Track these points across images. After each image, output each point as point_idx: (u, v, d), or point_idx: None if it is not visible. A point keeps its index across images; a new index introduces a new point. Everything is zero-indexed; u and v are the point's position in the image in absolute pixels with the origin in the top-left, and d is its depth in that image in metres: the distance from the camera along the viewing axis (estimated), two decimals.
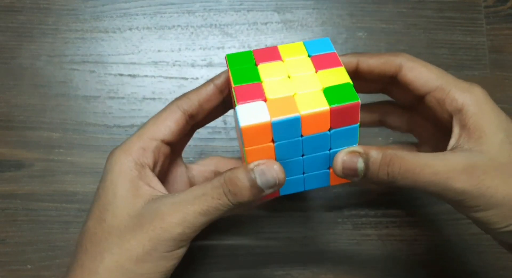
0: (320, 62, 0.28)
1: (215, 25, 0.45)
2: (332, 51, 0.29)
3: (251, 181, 0.27)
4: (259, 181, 0.27)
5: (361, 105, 0.27)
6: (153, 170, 0.30)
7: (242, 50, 0.45)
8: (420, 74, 0.30)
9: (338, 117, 0.26)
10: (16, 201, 0.41)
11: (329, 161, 0.29)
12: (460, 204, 0.28)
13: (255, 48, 0.45)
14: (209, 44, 0.45)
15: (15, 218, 0.41)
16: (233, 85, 0.28)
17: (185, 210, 0.28)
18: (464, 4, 0.46)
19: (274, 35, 0.45)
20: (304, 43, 0.30)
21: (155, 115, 0.31)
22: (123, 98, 0.43)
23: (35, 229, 0.40)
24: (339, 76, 0.27)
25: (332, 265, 0.41)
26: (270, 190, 0.27)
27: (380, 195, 0.42)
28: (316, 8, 0.46)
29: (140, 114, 0.43)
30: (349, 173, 0.27)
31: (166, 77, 0.44)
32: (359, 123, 0.27)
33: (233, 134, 0.43)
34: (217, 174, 0.35)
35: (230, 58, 0.29)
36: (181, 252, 0.29)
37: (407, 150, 0.33)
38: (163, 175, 0.33)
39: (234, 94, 0.27)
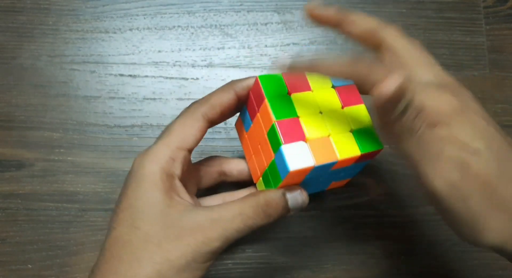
0: (344, 96, 0.32)
1: (215, 25, 0.45)
2: (351, 83, 0.32)
3: (285, 203, 0.31)
4: (290, 204, 0.31)
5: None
6: (180, 179, 0.31)
7: (242, 50, 0.45)
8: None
9: (363, 158, 0.31)
10: (16, 201, 0.41)
11: (335, 178, 0.35)
12: (437, 201, 0.27)
13: (255, 48, 0.45)
14: (209, 45, 0.45)
15: (16, 217, 0.41)
16: (274, 119, 0.30)
17: (225, 226, 0.29)
18: (463, 4, 0.46)
19: (274, 35, 0.45)
20: None
21: (181, 120, 0.32)
22: (123, 98, 0.43)
23: (35, 228, 0.40)
24: (362, 115, 0.32)
25: (332, 265, 0.41)
26: (294, 212, 0.32)
27: (380, 195, 0.42)
28: None
29: (140, 114, 0.43)
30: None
31: (167, 77, 0.44)
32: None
33: (233, 134, 0.43)
34: (222, 174, 0.37)
35: (263, 81, 0.31)
36: (212, 263, 0.30)
37: None
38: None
39: (276, 129, 0.30)
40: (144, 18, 0.45)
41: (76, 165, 0.42)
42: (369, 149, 0.30)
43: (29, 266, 0.40)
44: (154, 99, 0.43)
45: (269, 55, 0.45)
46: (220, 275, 0.40)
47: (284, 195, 0.31)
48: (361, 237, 0.41)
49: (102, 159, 0.42)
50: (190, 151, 0.32)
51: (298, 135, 0.29)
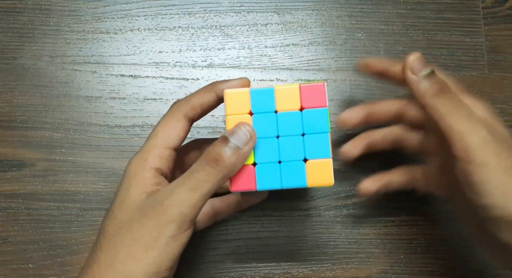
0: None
1: (216, 26, 0.46)
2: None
3: (225, 143, 0.30)
4: (232, 140, 0.30)
5: (373, 130, 0.37)
6: (165, 175, 0.33)
7: (242, 51, 0.45)
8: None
9: (307, 95, 0.31)
10: (18, 201, 0.41)
11: (304, 149, 0.31)
12: (471, 158, 0.30)
13: (255, 49, 0.45)
14: (210, 45, 0.45)
15: (17, 217, 0.41)
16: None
17: (177, 190, 0.30)
18: (462, 5, 0.47)
19: (274, 36, 0.45)
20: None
21: (163, 122, 0.33)
22: (124, 98, 0.44)
23: (36, 228, 0.41)
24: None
25: (331, 264, 0.41)
26: (247, 147, 0.30)
27: (379, 194, 0.42)
28: (315, 9, 0.46)
29: (141, 114, 0.43)
30: (416, 66, 0.33)
31: (167, 78, 0.44)
32: (327, 107, 0.31)
33: None
34: None
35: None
36: (184, 237, 0.30)
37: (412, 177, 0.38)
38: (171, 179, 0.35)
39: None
40: (145, 19, 0.45)
41: (77, 165, 0.42)
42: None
43: (30, 265, 0.40)
44: (155, 99, 0.44)
45: (269, 56, 0.45)
46: (219, 274, 0.41)
47: (224, 139, 0.30)
48: (361, 236, 0.42)
49: (103, 159, 0.42)
50: (175, 149, 0.33)
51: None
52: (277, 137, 0.31)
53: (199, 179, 0.30)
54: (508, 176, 0.30)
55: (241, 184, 0.32)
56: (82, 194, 0.41)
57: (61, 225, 0.41)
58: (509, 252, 0.31)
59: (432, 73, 0.32)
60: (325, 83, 0.31)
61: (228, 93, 0.31)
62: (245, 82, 0.33)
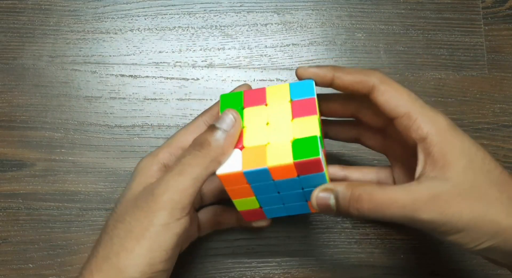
0: (298, 109, 0.31)
1: (216, 26, 0.46)
2: (312, 96, 0.32)
3: (211, 128, 0.30)
4: (218, 124, 0.30)
5: (337, 121, 0.36)
6: None
7: (242, 51, 0.45)
8: (391, 98, 0.31)
9: (302, 168, 0.30)
10: (18, 201, 0.41)
11: (305, 196, 0.33)
12: (431, 231, 0.30)
13: (255, 49, 0.45)
14: (210, 45, 0.45)
15: (17, 217, 0.41)
16: None
17: (166, 177, 0.30)
18: (462, 5, 0.47)
19: (274, 36, 0.45)
20: (290, 86, 0.33)
21: (183, 127, 0.34)
22: (124, 98, 0.44)
23: (36, 228, 0.41)
24: (311, 126, 0.31)
25: (331, 264, 0.41)
26: (232, 130, 0.30)
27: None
28: (315, 9, 0.46)
29: (141, 114, 0.43)
30: (324, 208, 0.30)
31: (167, 78, 0.44)
32: (324, 171, 0.30)
33: None
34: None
35: (223, 99, 0.33)
36: (178, 227, 0.30)
37: (379, 179, 0.37)
38: None
39: None
40: (145, 19, 0.45)
41: (77, 165, 0.42)
42: (302, 157, 0.29)
43: (30, 265, 0.40)
44: (155, 99, 0.44)
45: (269, 56, 0.45)
46: (219, 274, 0.41)
47: (211, 126, 0.31)
48: (361, 236, 0.42)
49: (103, 159, 0.42)
50: None
51: (237, 144, 0.31)
52: (278, 192, 0.32)
53: (185, 164, 0.30)
54: (472, 223, 0.29)
55: (252, 216, 0.35)
56: (82, 194, 0.41)
57: (61, 225, 0.41)
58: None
59: (337, 201, 0.30)
60: (321, 157, 0.29)
61: (221, 176, 0.30)
62: (247, 89, 0.34)
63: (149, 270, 0.29)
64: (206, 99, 0.44)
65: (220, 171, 0.30)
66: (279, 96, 0.32)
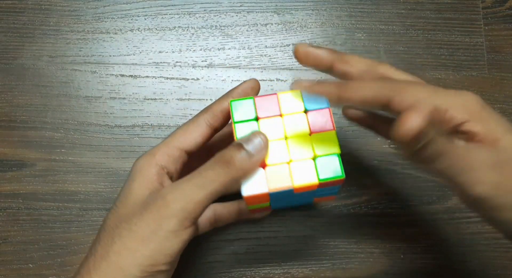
0: (315, 122, 0.31)
1: (216, 26, 0.46)
2: (326, 106, 0.32)
3: (238, 148, 0.29)
4: (246, 146, 0.29)
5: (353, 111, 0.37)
6: (171, 175, 0.32)
7: (242, 51, 0.45)
8: (412, 105, 0.29)
9: (325, 185, 0.31)
10: (18, 201, 0.41)
11: (315, 195, 0.34)
12: (487, 204, 0.28)
13: (255, 49, 0.45)
14: (210, 45, 0.45)
15: (17, 217, 0.41)
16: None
17: (183, 185, 0.29)
18: (462, 5, 0.47)
19: (274, 36, 0.45)
20: (302, 92, 0.32)
21: (184, 126, 0.33)
22: (124, 98, 0.44)
23: (36, 228, 0.41)
24: (330, 142, 0.31)
25: (331, 264, 0.41)
26: (259, 155, 0.30)
27: (379, 194, 0.42)
28: (315, 9, 0.46)
29: (141, 114, 0.43)
30: (409, 135, 0.27)
31: (167, 78, 0.44)
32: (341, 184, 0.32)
33: None
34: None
35: (233, 105, 0.32)
36: (185, 235, 0.30)
37: None
38: None
39: None
40: (145, 19, 0.45)
41: (77, 165, 0.42)
42: (328, 178, 0.30)
43: (30, 265, 0.40)
44: (155, 99, 0.44)
45: (269, 56, 0.45)
46: (219, 274, 0.41)
47: (239, 145, 0.30)
48: (360, 236, 0.42)
49: (103, 159, 0.42)
50: (188, 153, 0.33)
51: None
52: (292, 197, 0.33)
53: (207, 178, 0.29)
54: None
55: (258, 210, 0.34)
56: (82, 194, 0.41)
57: (61, 225, 0.41)
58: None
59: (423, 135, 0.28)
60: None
61: (246, 197, 0.30)
62: (255, 85, 0.33)
63: (150, 269, 0.29)
64: (206, 99, 0.44)
65: (246, 192, 0.30)
66: (293, 105, 0.32)
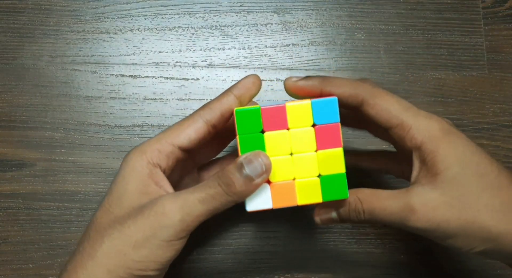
0: (322, 138, 0.31)
1: (216, 26, 0.46)
2: (336, 121, 0.31)
3: (239, 170, 0.29)
4: (247, 169, 0.29)
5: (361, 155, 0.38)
6: (164, 172, 0.32)
7: (242, 51, 0.45)
8: (381, 111, 0.31)
9: (329, 203, 0.32)
10: (18, 201, 0.41)
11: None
12: (424, 236, 0.31)
13: (255, 49, 0.45)
14: (210, 45, 0.45)
15: (17, 217, 0.41)
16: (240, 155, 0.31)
17: (185, 197, 0.29)
18: (462, 5, 0.47)
19: (274, 36, 0.45)
20: (312, 104, 0.31)
21: (178, 122, 0.32)
22: (124, 98, 0.44)
23: (36, 228, 0.41)
24: (336, 161, 0.31)
25: (331, 264, 0.41)
26: (259, 179, 0.29)
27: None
28: (315, 9, 0.46)
29: (141, 114, 0.43)
30: (328, 222, 0.33)
31: (167, 78, 0.44)
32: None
33: None
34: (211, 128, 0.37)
35: (238, 115, 0.31)
36: (179, 244, 0.29)
37: (387, 166, 0.38)
38: (176, 181, 0.34)
39: None
40: (145, 19, 0.45)
41: (77, 165, 0.42)
42: (332, 197, 0.31)
43: (30, 265, 0.40)
44: (155, 99, 0.44)
45: (269, 56, 0.45)
46: (220, 274, 0.41)
47: (240, 166, 0.29)
48: (360, 236, 0.42)
49: (103, 159, 0.42)
50: (181, 148, 0.32)
51: None
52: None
53: (210, 194, 0.29)
54: (460, 232, 0.30)
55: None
56: (82, 194, 0.41)
57: (61, 225, 0.41)
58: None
59: (339, 216, 0.33)
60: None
61: (250, 212, 0.31)
62: (256, 80, 0.32)
63: (138, 274, 0.29)
64: (206, 99, 0.44)
65: (251, 208, 0.30)
66: (301, 118, 0.31)
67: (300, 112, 0.31)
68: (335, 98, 0.31)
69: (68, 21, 0.45)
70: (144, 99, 0.44)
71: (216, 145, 0.37)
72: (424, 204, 0.30)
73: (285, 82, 0.33)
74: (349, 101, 0.32)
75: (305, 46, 0.45)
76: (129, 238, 0.29)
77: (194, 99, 0.44)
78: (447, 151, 0.30)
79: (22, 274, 0.40)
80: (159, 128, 0.43)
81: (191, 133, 0.32)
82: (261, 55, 0.45)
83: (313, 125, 0.31)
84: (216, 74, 0.44)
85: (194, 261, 0.41)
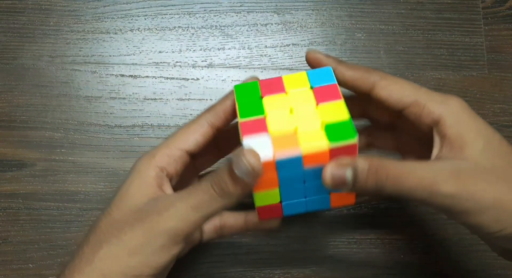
0: (321, 95, 0.30)
1: (216, 26, 0.46)
2: (333, 82, 0.30)
3: (231, 170, 0.27)
4: (236, 171, 0.27)
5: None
6: (171, 176, 0.32)
7: (242, 51, 0.45)
8: (393, 91, 0.31)
9: (337, 153, 0.27)
10: (18, 201, 0.41)
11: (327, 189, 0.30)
12: (449, 210, 0.28)
13: (255, 49, 0.45)
14: (210, 45, 0.45)
15: (17, 217, 0.41)
16: (239, 119, 0.29)
17: (178, 204, 0.29)
18: (462, 5, 0.47)
19: (274, 36, 0.46)
20: (307, 73, 0.31)
21: (185, 126, 0.32)
22: (124, 98, 0.44)
23: (36, 228, 0.41)
24: (339, 110, 0.29)
25: (332, 264, 0.41)
26: (250, 179, 0.27)
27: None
28: (315, 9, 0.46)
29: (141, 114, 0.43)
30: (339, 183, 0.27)
31: (167, 78, 0.44)
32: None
33: None
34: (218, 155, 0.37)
35: (237, 89, 0.31)
36: (174, 250, 0.29)
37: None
38: (179, 186, 0.34)
39: (239, 127, 0.29)
40: (145, 19, 0.45)
41: (77, 165, 0.42)
42: (339, 140, 0.27)
43: (30, 265, 0.40)
44: (155, 99, 0.44)
45: (269, 56, 0.45)
46: (219, 274, 0.41)
47: (230, 167, 0.28)
48: (360, 236, 0.42)
49: (103, 159, 0.42)
50: (189, 153, 0.32)
51: (261, 130, 0.29)
52: (304, 182, 0.30)
53: (202, 200, 0.29)
54: (494, 203, 0.28)
55: (268, 214, 0.31)
56: (82, 194, 0.41)
57: (61, 225, 0.41)
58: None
59: (356, 175, 0.27)
60: (357, 141, 0.27)
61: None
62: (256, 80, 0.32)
63: None
64: (206, 99, 0.44)
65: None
66: (298, 84, 0.30)
67: (297, 80, 0.31)
68: (329, 67, 0.31)
69: (68, 21, 0.45)
70: (144, 99, 0.44)
71: (217, 151, 0.37)
72: (458, 171, 0.28)
73: (307, 51, 0.33)
74: (360, 84, 0.31)
75: (305, 46, 0.45)
76: (125, 244, 0.29)
77: (194, 99, 0.44)
78: (471, 124, 0.29)
79: (22, 274, 0.40)
80: (159, 128, 0.43)
81: (198, 137, 0.32)
82: (261, 55, 0.45)
83: (311, 88, 0.30)
84: (216, 74, 0.44)
85: (195, 262, 0.41)
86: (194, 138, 0.32)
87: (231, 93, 0.33)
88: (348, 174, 0.27)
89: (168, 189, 0.31)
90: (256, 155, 0.27)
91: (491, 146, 0.29)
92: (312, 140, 0.27)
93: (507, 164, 0.29)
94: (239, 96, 0.31)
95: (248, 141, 0.28)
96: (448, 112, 0.29)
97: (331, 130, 0.28)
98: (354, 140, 0.27)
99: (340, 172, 0.27)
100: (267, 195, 0.30)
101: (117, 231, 0.29)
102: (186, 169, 0.34)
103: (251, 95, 0.30)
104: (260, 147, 0.27)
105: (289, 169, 0.28)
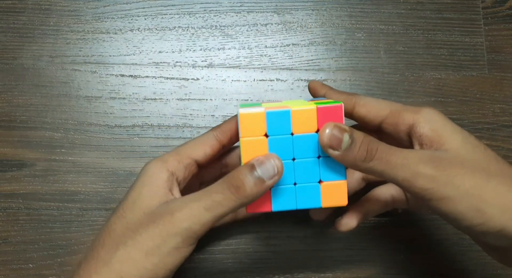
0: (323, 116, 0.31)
1: (216, 26, 0.46)
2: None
3: (251, 170, 0.29)
4: (259, 171, 0.29)
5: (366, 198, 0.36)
6: (179, 182, 0.33)
7: (242, 51, 0.45)
8: (371, 107, 0.33)
9: (324, 117, 0.30)
10: (18, 201, 0.41)
11: (319, 171, 0.31)
12: (430, 196, 0.29)
13: (255, 49, 0.45)
14: (210, 45, 0.45)
15: (17, 217, 0.41)
16: (239, 109, 0.31)
17: (191, 205, 0.30)
18: (462, 5, 0.47)
19: (274, 36, 0.45)
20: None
21: (195, 138, 0.34)
22: (124, 98, 0.44)
23: (36, 228, 0.41)
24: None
25: (332, 264, 0.41)
26: (271, 181, 0.29)
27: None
28: (315, 9, 0.46)
29: (141, 114, 0.43)
30: (334, 143, 0.29)
31: (167, 78, 0.44)
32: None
33: None
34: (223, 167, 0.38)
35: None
36: (187, 251, 0.30)
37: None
38: (182, 194, 0.35)
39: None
40: (145, 19, 0.45)
41: (77, 165, 0.42)
42: (325, 103, 0.30)
43: (30, 265, 0.40)
44: (155, 99, 0.44)
45: (269, 56, 0.45)
46: (219, 274, 0.41)
47: (249, 164, 0.30)
48: (361, 236, 0.42)
49: (103, 159, 0.42)
50: (197, 162, 0.34)
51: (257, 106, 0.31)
52: (293, 159, 0.31)
53: (216, 201, 0.29)
54: (474, 191, 0.29)
55: (257, 206, 0.32)
56: (82, 194, 0.41)
57: (61, 225, 0.41)
58: (503, 252, 0.32)
59: (352, 140, 0.29)
60: (343, 104, 0.30)
61: (242, 114, 0.30)
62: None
63: None
64: (206, 99, 0.44)
65: (243, 111, 0.30)
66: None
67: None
68: (340, 104, 0.31)
69: (68, 21, 0.45)
70: (144, 99, 0.44)
71: (220, 166, 0.38)
72: (440, 158, 0.29)
73: (309, 82, 0.36)
74: (344, 104, 0.32)
75: (305, 46, 0.45)
76: (142, 246, 0.30)
77: (194, 99, 0.44)
78: (446, 124, 0.31)
79: (22, 274, 0.40)
80: (159, 128, 0.43)
81: (207, 149, 0.34)
82: (261, 55, 0.45)
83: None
84: (216, 74, 0.44)
85: (195, 261, 0.41)
86: (203, 149, 0.33)
87: (236, 116, 0.34)
88: (346, 137, 0.29)
89: (177, 193, 0.32)
90: (280, 159, 0.30)
91: (469, 141, 0.30)
92: (300, 105, 0.31)
93: (486, 157, 0.30)
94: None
95: (244, 107, 0.31)
96: (422, 116, 0.31)
97: (319, 103, 0.31)
98: (339, 103, 0.30)
99: (338, 134, 0.29)
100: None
101: (132, 233, 0.30)
102: (191, 181, 0.35)
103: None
104: (253, 108, 0.30)
105: (278, 129, 0.30)
